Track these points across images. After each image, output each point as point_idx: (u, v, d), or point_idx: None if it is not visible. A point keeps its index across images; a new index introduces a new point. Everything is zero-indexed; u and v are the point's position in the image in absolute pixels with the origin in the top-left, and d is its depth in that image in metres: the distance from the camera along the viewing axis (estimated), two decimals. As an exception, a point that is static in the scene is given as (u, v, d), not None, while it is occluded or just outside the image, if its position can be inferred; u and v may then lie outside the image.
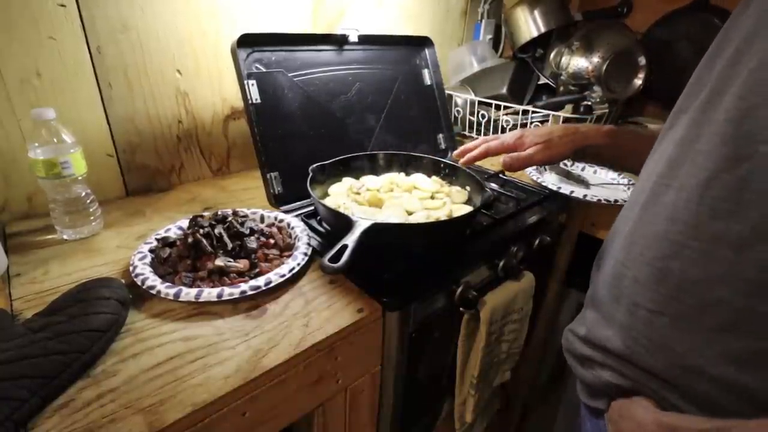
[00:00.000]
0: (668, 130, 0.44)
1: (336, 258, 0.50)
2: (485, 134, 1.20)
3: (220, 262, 0.55)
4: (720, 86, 0.37)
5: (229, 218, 0.62)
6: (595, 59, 1.15)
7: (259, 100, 0.75)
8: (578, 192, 0.87)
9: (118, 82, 0.74)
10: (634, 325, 0.41)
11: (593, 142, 0.66)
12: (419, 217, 0.67)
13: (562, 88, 1.23)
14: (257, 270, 0.56)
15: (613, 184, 0.98)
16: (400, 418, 0.67)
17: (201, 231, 0.58)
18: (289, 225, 0.67)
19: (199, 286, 0.53)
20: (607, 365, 0.45)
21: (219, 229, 0.59)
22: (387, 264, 0.59)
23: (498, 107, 1.18)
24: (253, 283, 0.53)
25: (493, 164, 1.07)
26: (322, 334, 0.49)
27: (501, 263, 0.72)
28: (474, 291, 0.65)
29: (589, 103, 1.10)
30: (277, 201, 0.76)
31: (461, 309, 0.66)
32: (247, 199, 0.82)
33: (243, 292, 0.51)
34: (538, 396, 1.32)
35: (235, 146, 0.94)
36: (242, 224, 0.61)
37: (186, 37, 0.80)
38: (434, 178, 0.81)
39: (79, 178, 0.63)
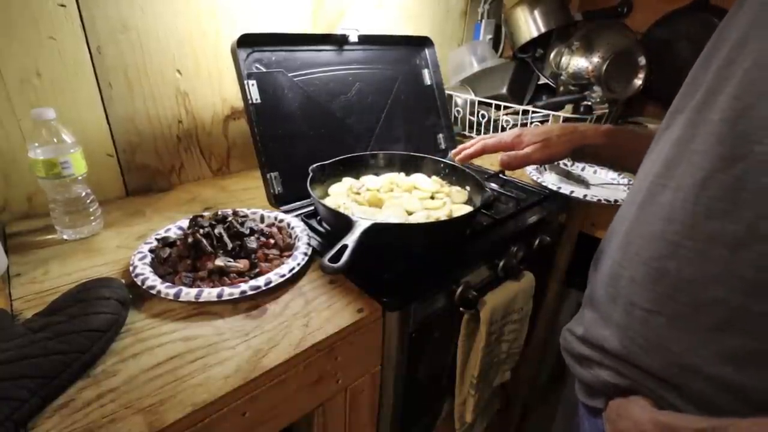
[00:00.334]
0: (665, 130, 0.44)
1: (336, 258, 0.50)
2: (485, 134, 1.19)
3: (220, 262, 0.55)
4: (715, 86, 0.37)
5: (229, 218, 0.62)
6: (595, 59, 1.15)
7: (259, 100, 0.75)
8: (578, 192, 0.87)
9: (118, 82, 0.74)
10: (631, 324, 0.42)
11: (591, 142, 0.66)
12: (419, 217, 0.67)
13: (562, 88, 1.23)
14: (257, 270, 0.56)
15: (613, 184, 0.98)
16: (400, 418, 0.67)
17: (201, 231, 0.58)
18: (289, 225, 0.67)
19: (199, 286, 0.53)
20: (604, 364, 0.45)
21: (219, 229, 0.59)
22: (387, 264, 0.59)
23: (498, 107, 1.18)
24: (253, 283, 0.53)
25: (492, 164, 1.07)
26: (322, 334, 0.49)
27: (501, 263, 0.72)
28: (474, 291, 0.65)
29: (589, 103, 1.10)
30: (277, 201, 0.76)
31: (461, 309, 0.66)
32: (247, 199, 0.82)
33: (243, 292, 0.51)
34: (538, 396, 1.32)
35: (235, 146, 0.94)
36: (242, 224, 0.61)
37: (186, 37, 0.80)
38: (434, 178, 0.81)
39: (79, 178, 0.63)
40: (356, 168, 0.81)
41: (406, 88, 0.99)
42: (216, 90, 0.87)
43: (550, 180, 0.93)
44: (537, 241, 0.79)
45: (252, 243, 0.59)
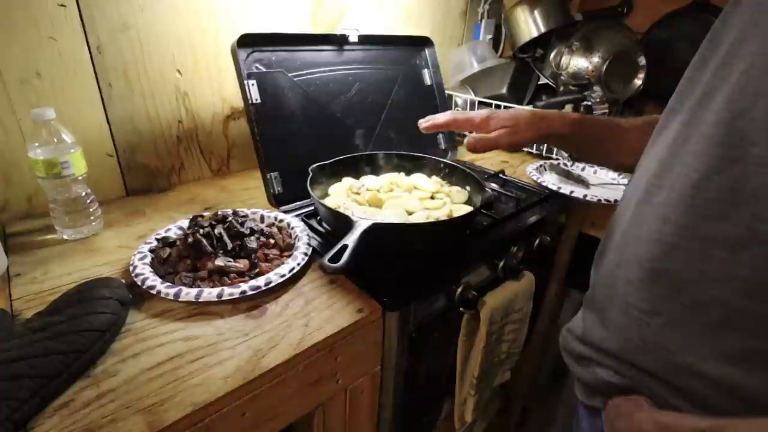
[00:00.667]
0: (661, 130, 0.44)
1: (336, 258, 0.50)
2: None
3: (220, 262, 0.55)
4: (711, 88, 0.37)
5: (229, 218, 0.62)
6: (595, 59, 1.15)
7: (259, 100, 0.75)
8: (578, 192, 0.87)
9: (118, 82, 0.74)
10: (628, 325, 0.42)
11: (558, 131, 0.64)
12: (419, 217, 0.67)
13: (562, 88, 1.23)
14: (257, 270, 0.56)
15: (613, 184, 0.98)
16: (400, 418, 0.67)
17: (201, 231, 0.58)
18: (289, 225, 0.67)
19: (199, 286, 0.53)
20: (603, 364, 0.45)
21: (219, 229, 0.59)
22: (387, 264, 0.59)
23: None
24: (253, 283, 0.53)
25: (492, 164, 1.07)
26: (322, 334, 0.49)
27: (501, 263, 0.72)
28: (474, 291, 0.65)
29: (589, 103, 1.10)
30: (277, 201, 0.76)
31: (461, 309, 0.66)
32: (247, 199, 0.82)
33: (243, 292, 0.51)
34: (538, 396, 1.32)
35: (235, 146, 0.94)
36: (242, 224, 0.61)
37: (186, 37, 0.80)
38: (434, 178, 0.81)
39: (79, 178, 0.63)
40: (356, 168, 0.81)
41: (406, 88, 0.99)
42: (216, 90, 0.87)
43: (550, 180, 0.93)
44: (537, 241, 0.79)
45: (252, 243, 0.59)
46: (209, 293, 0.50)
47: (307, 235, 0.64)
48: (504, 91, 1.22)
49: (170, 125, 0.83)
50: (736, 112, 0.33)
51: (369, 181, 0.78)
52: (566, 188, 0.88)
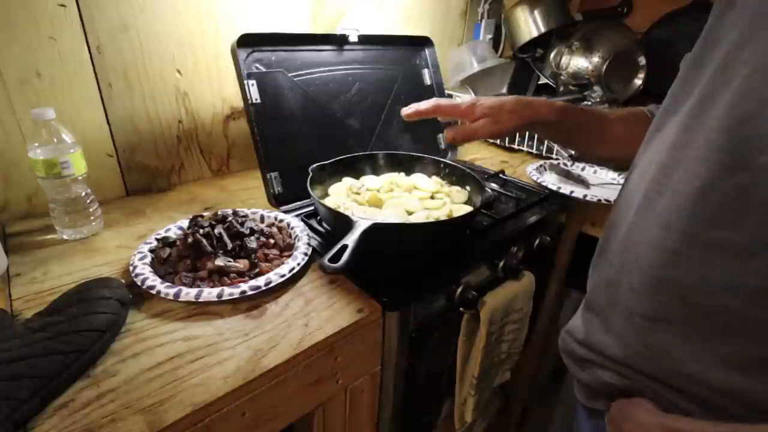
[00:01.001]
0: (656, 131, 0.44)
1: (336, 258, 0.50)
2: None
3: (220, 262, 0.55)
4: (711, 91, 0.36)
5: (229, 218, 0.62)
6: (595, 59, 1.15)
7: (259, 100, 0.75)
8: (578, 192, 0.87)
9: (118, 82, 0.74)
10: (631, 332, 0.41)
11: (543, 119, 0.62)
12: (419, 217, 0.67)
13: (562, 88, 1.23)
14: (257, 270, 0.56)
15: (612, 184, 0.98)
16: (400, 418, 0.67)
17: (201, 231, 0.58)
18: (289, 225, 0.67)
19: (199, 286, 0.53)
20: (605, 367, 0.44)
21: (219, 229, 0.59)
22: (387, 264, 0.59)
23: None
24: (253, 283, 0.53)
25: (492, 164, 1.07)
26: (322, 334, 0.49)
27: (501, 263, 0.72)
28: (474, 291, 0.65)
29: (589, 103, 1.10)
30: (277, 201, 0.76)
31: (461, 309, 0.66)
32: (247, 199, 0.82)
33: (243, 292, 0.51)
34: (538, 396, 1.32)
35: (235, 146, 0.94)
36: (242, 224, 0.61)
37: (186, 37, 0.80)
38: (434, 178, 0.81)
39: (79, 178, 0.63)
40: (356, 168, 0.81)
41: (406, 88, 0.99)
42: (216, 90, 0.87)
43: (550, 180, 0.93)
44: (537, 241, 0.79)
45: (252, 243, 0.59)
46: (209, 293, 0.50)
47: (307, 235, 0.64)
48: (504, 91, 1.22)
49: (170, 125, 0.83)
50: (741, 119, 0.33)
51: (369, 181, 0.78)
52: (566, 188, 0.88)
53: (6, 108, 0.65)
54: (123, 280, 0.52)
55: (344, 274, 0.59)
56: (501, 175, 0.93)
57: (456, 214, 0.68)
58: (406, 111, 0.67)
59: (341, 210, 0.64)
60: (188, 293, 0.50)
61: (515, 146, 1.18)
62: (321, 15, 0.98)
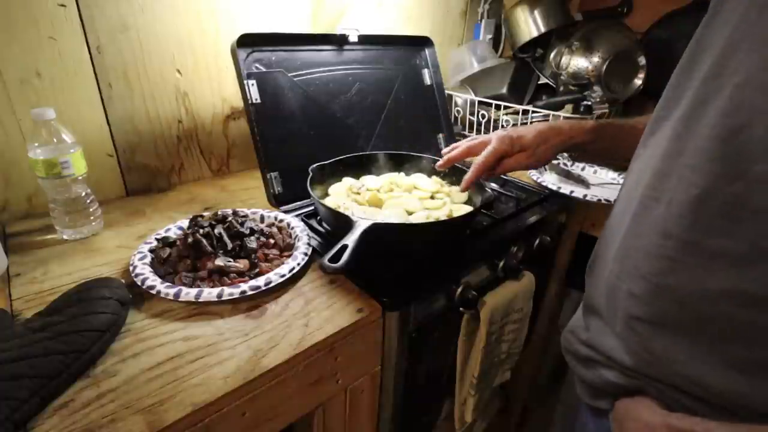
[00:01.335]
0: (650, 135, 0.44)
1: (336, 258, 0.50)
2: (485, 134, 1.19)
3: (220, 262, 0.55)
4: (702, 98, 0.36)
5: (229, 218, 0.62)
6: (595, 59, 1.15)
7: (259, 100, 0.75)
8: (578, 192, 0.87)
9: (118, 82, 0.74)
10: (633, 337, 0.41)
11: (579, 141, 0.66)
12: (419, 217, 0.67)
13: (562, 88, 1.23)
14: (257, 270, 0.56)
15: (613, 184, 0.98)
16: (400, 418, 0.67)
17: (201, 231, 0.58)
18: (289, 225, 0.67)
19: (199, 286, 0.53)
20: (609, 366, 0.45)
21: (219, 229, 0.59)
22: (387, 264, 0.59)
23: (498, 107, 1.18)
24: (253, 283, 0.53)
25: (493, 164, 1.07)
26: (322, 334, 0.49)
27: (501, 263, 0.72)
28: (474, 291, 0.65)
29: (589, 103, 1.10)
30: (277, 201, 0.75)
31: (461, 309, 0.66)
32: (247, 199, 0.82)
33: (243, 292, 0.51)
34: (538, 396, 1.32)
35: (235, 146, 0.94)
36: (242, 224, 0.61)
37: (186, 37, 0.80)
38: (434, 178, 0.81)
39: (79, 178, 0.63)
40: (356, 168, 0.81)
41: (406, 88, 0.99)
42: (216, 90, 0.87)
43: (550, 180, 0.93)
44: (537, 241, 0.79)
45: (252, 243, 0.59)
46: (209, 293, 0.50)
47: (307, 235, 0.64)
48: (504, 91, 1.22)
49: (170, 125, 0.83)
50: (735, 129, 0.33)
51: (369, 181, 0.78)
52: (566, 188, 0.88)
53: (6, 108, 0.65)
54: (123, 280, 0.52)
55: (344, 274, 0.59)
56: (501, 175, 0.93)
57: (456, 214, 0.68)
58: (439, 164, 0.73)
59: (341, 210, 0.64)
60: (188, 293, 0.50)
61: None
62: (321, 15, 0.98)
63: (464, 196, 0.76)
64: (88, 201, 0.66)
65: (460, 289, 0.64)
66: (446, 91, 1.12)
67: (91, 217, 0.66)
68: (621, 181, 0.98)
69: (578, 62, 1.17)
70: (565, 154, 1.07)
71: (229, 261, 0.55)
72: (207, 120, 0.88)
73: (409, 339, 0.60)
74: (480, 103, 1.21)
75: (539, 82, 1.31)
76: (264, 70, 0.77)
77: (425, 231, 0.63)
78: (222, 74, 0.86)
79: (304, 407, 0.52)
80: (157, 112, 0.81)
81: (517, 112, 1.15)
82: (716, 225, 0.35)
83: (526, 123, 1.13)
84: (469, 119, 1.23)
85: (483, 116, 1.21)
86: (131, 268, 0.55)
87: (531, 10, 1.22)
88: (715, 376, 0.36)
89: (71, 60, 0.69)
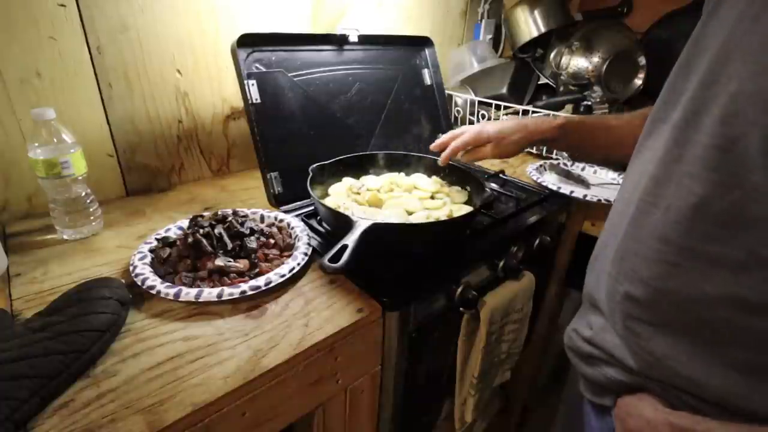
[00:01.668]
0: (647, 137, 0.44)
1: (336, 258, 0.50)
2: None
3: (220, 262, 0.55)
4: (699, 105, 0.37)
5: (229, 218, 0.62)
6: (595, 59, 1.15)
7: (259, 100, 0.75)
8: (578, 192, 0.87)
9: (118, 82, 0.74)
10: (632, 337, 0.42)
11: (543, 137, 0.68)
12: (419, 217, 0.67)
13: (562, 88, 1.23)
14: (257, 270, 0.56)
15: (613, 184, 0.98)
16: (400, 418, 0.67)
17: (201, 231, 0.58)
18: (289, 225, 0.67)
19: (199, 286, 0.53)
20: (612, 364, 0.45)
21: (219, 229, 0.59)
22: (387, 264, 0.59)
23: (498, 107, 1.18)
24: (253, 283, 0.53)
25: (493, 164, 1.07)
26: (322, 334, 0.49)
27: (501, 263, 0.72)
28: (474, 291, 0.65)
29: (589, 103, 1.10)
30: (277, 201, 0.75)
31: (461, 309, 0.66)
32: (247, 199, 0.82)
33: (243, 292, 0.51)
34: (538, 396, 1.32)
35: (235, 146, 0.94)
36: (242, 224, 0.61)
37: (186, 37, 0.80)
38: (434, 178, 0.81)
39: (79, 178, 0.63)
40: (356, 168, 0.81)
41: (406, 88, 0.99)
42: (216, 90, 0.87)
43: (550, 180, 0.93)
44: (537, 241, 0.79)
45: (252, 243, 0.59)
46: (209, 293, 0.50)
47: (307, 235, 0.64)
48: (504, 91, 1.22)
49: (170, 125, 0.83)
50: (731, 138, 0.34)
51: (369, 181, 0.78)
52: (566, 188, 0.88)
53: (6, 108, 0.65)
54: (123, 280, 0.52)
55: (344, 274, 0.59)
56: (501, 175, 0.93)
57: (456, 214, 0.68)
58: (440, 161, 0.75)
59: (341, 210, 0.64)
60: (188, 293, 0.50)
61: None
62: (321, 15, 0.98)
63: (464, 195, 0.76)
64: (88, 201, 0.66)
65: (460, 289, 0.64)
66: (446, 91, 1.12)
67: (91, 217, 0.66)
68: (621, 182, 0.98)
69: (578, 62, 1.17)
70: (565, 154, 1.07)
71: (229, 261, 0.55)
72: (207, 120, 0.88)
73: (409, 339, 0.60)
74: (480, 103, 1.21)
75: (539, 82, 1.31)
76: (264, 70, 0.77)
77: (425, 231, 0.63)
78: (222, 74, 0.86)
79: (304, 407, 0.52)
80: (157, 112, 0.81)
81: (517, 112, 1.15)
82: (714, 232, 0.35)
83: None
84: (469, 119, 1.23)
85: (483, 116, 1.21)
86: (131, 268, 0.55)
87: (531, 10, 1.22)
88: (714, 378, 0.36)
89: (71, 60, 0.69)
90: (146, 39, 0.75)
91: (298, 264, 0.57)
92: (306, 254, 0.60)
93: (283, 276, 0.55)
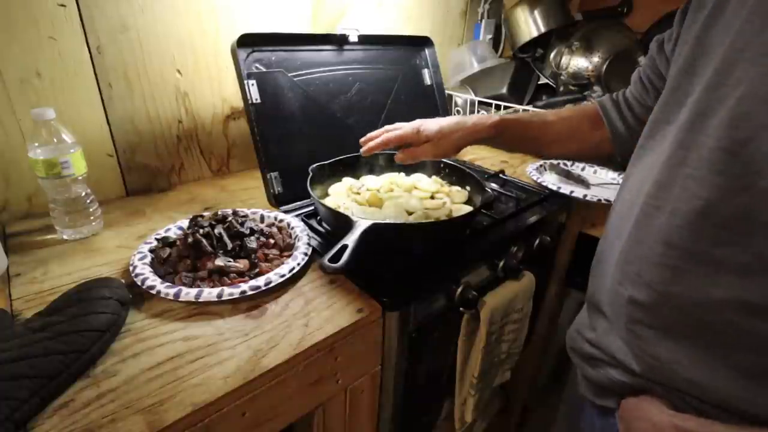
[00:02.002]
0: (648, 138, 0.44)
1: (336, 258, 0.50)
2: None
3: (220, 262, 0.55)
4: (704, 107, 0.36)
5: (229, 218, 0.62)
6: (595, 59, 1.15)
7: (259, 100, 0.75)
8: (578, 192, 0.87)
9: (118, 82, 0.74)
10: (636, 341, 0.42)
11: (482, 136, 0.66)
12: (419, 217, 0.67)
13: (562, 88, 1.23)
14: (257, 270, 0.56)
15: (612, 184, 0.98)
16: (400, 418, 0.67)
17: (201, 231, 0.58)
18: (289, 225, 0.67)
19: (199, 286, 0.53)
20: (615, 366, 0.45)
21: (219, 229, 0.59)
22: (387, 264, 0.59)
23: (498, 107, 1.18)
24: (253, 283, 0.53)
25: (493, 164, 1.07)
26: (322, 334, 0.49)
27: (501, 263, 0.72)
28: (474, 291, 0.65)
29: (589, 102, 1.10)
30: (277, 201, 0.75)
31: (461, 309, 0.66)
32: (247, 199, 0.82)
33: (243, 292, 0.51)
34: (538, 396, 1.32)
35: (235, 146, 0.94)
36: (242, 224, 0.61)
37: (186, 37, 0.80)
38: (434, 178, 0.81)
39: (79, 178, 0.63)
40: (356, 168, 0.81)
41: (406, 88, 0.99)
42: (216, 90, 0.87)
43: (550, 180, 0.93)
44: (537, 241, 0.79)
45: (252, 243, 0.59)
46: (209, 293, 0.50)
47: (307, 235, 0.64)
48: (504, 91, 1.22)
49: (170, 125, 0.83)
50: (740, 142, 0.33)
51: (369, 181, 0.78)
52: (566, 188, 0.88)
53: (6, 108, 0.65)
54: (123, 280, 0.52)
55: (344, 274, 0.59)
56: (501, 175, 0.93)
57: (456, 214, 0.69)
58: (363, 149, 0.68)
59: (341, 210, 0.64)
60: (188, 293, 0.50)
61: (515, 146, 1.18)
62: (321, 15, 0.98)
63: (464, 195, 0.76)
64: (88, 201, 0.66)
65: (460, 289, 0.64)
66: (446, 91, 1.12)
67: (91, 217, 0.66)
68: (621, 182, 0.98)
69: (578, 62, 1.17)
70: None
71: (229, 261, 0.55)
72: (207, 120, 0.88)
73: (409, 339, 0.60)
74: (480, 103, 1.21)
75: (539, 82, 1.31)
76: (264, 70, 0.77)
77: (425, 231, 0.63)
78: (222, 74, 0.86)
79: (304, 407, 0.52)
80: (157, 112, 0.81)
81: (517, 112, 1.15)
82: (720, 236, 0.35)
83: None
84: (469, 119, 1.23)
85: (483, 116, 1.20)
86: (131, 268, 0.55)
87: (531, 10, 1.22)
88: (718, 381, 0.36)
89: (71, 60, 0.69)
90: (146, 39, 0.75)
91: (298, 264, 0.57)
92: (306, 254, 0.60)
93: (283, 276, 0.55)
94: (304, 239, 0.63)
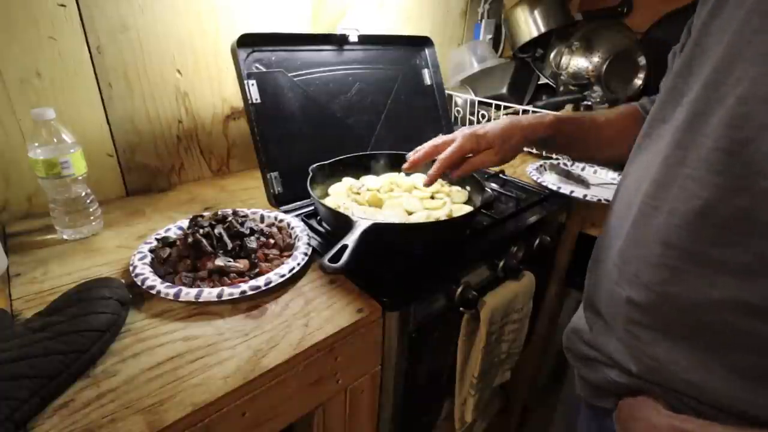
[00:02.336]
0: (646, 137, 0.44)
1: (336, 258, 0.50)
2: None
3: (220, 262, 0.55)
4: (703, 107, 0.36)
5: (229, 218, 0.62)
6: (595, 59, 1.15)
7: (259, 100, 0.75)
8: (578, 192, 0.87)
9: (118, 82, 0.74)
10: (633, 341, 0.42)
11: (539, 136, 0.64)
12: (419, 217, 0.67)
13: (562, 88, 1.23)
14: (257, 270, 0.56)
15: (612, 184, 0.98)
16: (400, 418, 0.67)
17: (201, 231, 0.58)
18: (289, 225, 0.67)
19: (199, 286, 0.53)
20: (612, 366, 0.45)
21: (219, 229, 0.59)
22: (387, 264, 0.59)
23: (498, 107, 1.18)
24: (253, 283, 0.53)
25: (493, 164, 1.07)
26: (322, 334, 0.49)
27: (501, 263, 0.72)
28: (474, 291, 0.65)
29: (589, 103, 1.10)
30: (277, 201, 0.75)
31: (461, 309, 0.66)
32: (247, 199, 0.82)
33: (243, 292, 0.51)
34: (538, 396, 1.32)
35: (235, 146, 0.94)
36: (242, 224, 0.61)
37: (186, 37, 0.80)
38: (434, 178, 0.81)
39: (79, 178, 0.63)
40: (356, 168, 0.81)
41: (406, 88, 0.99)
42: (216, 90, 0.87)
43: (550, 180, 0.93)
44: (537, 241, 0.79)
45: (252, 243, 0.59)
46: (209, 293, 0.50)
47: (307, 235, 0.64)
48: (504, 91, 1.22)
49: (170, 125, 0.83)
50: (740, 142, 0.33)
51: (369, 181, 0.78)
52: (566, 188, 0.88)
53: (6, 108, 0.65)
54: (123, 280, 0.52)
55: (344, 274, 0.59)
56: (501, 175, 0.93)
57: (456, 214, 0.68)
58: (405, 166, 0.68)
59: (341, 210, 0.64)
60: (188, 293, 0.50)
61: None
62: (321, 15, 0.98)
63: (464, 195, 0.76)
64: (88, 201, 0.66)
65: (460, 289, 0.64)
66: (446, 91, 1.12)
67: (91, 217, 0.66)
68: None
69: (578, 62, 1.17)
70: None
71: (229, 261, 0.55)
72: (207, 120, 0.88)
73: (409, 339, 0.60)
74: (480, 103, 1.21)
75: (539, 82, 1.31)
76: (264, 70, 0.77)
77: (425, 231, 0.63)
78: (222, 74, 0.86)
79: (304, 407, 0.52)
80: (157, 112, 0.81)
81: (517, 112, 1.15)
82: (720, 236, 0.35)
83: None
84: (469, 119, 1.24)
85: (483, 116, 1.21)
86: (131, 268, 0.55)
87: (531, 10, 1.22)
88: (715, 382, 0.36)
89: (71, 60, 0.69)
90: (146, 39, 0.75)
91: (298, 264, 0.57)
92: (306, 254, 0.60)
93: (283, 276, 0.55)
94: (304, 239, 0.63)
